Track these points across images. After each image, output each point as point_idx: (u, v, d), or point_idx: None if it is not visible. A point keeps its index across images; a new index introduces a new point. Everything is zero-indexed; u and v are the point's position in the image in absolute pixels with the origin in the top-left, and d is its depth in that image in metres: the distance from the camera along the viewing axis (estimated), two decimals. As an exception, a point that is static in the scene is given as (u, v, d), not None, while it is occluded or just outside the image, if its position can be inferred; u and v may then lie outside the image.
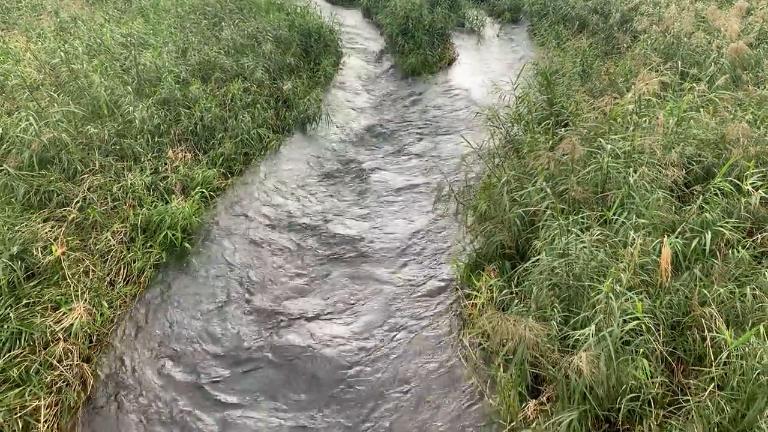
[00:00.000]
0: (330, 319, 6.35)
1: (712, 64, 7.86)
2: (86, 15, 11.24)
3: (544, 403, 4.62)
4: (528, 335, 4.40)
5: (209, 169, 8.49)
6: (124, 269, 6.64)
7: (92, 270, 6.38)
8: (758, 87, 7.20)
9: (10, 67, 8.38)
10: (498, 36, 15.37)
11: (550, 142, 6.60)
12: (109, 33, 10.00)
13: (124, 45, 10.03)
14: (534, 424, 4.42)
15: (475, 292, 6.08)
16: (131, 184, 7.39)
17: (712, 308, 4.39)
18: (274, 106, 10.50)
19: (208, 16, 12.14)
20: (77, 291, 6.02)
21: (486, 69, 12.77)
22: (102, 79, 8.37)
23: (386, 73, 13.30)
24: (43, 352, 5.38)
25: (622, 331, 4.19)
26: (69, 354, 5.51)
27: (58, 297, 5.88)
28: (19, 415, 4.87)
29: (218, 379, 5.66)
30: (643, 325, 4.23)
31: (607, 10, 12.60)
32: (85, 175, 7.23)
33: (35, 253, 6.04)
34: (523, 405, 4.72)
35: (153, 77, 9.36)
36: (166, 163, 8.14)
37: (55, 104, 7.67)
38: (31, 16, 10.95)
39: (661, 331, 4.37)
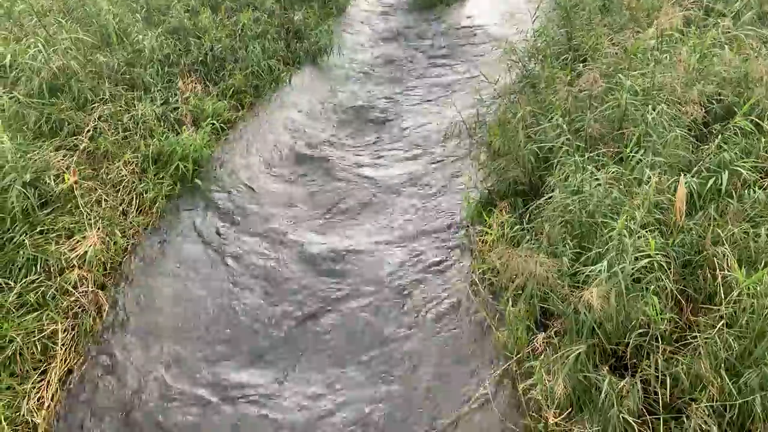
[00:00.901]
0: (337, 258, 6.39)
1: (739, -1, 7.58)
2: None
3: (552, 337, 4.67)
4: (539, 270, 4.43)
5: (219, 101, 8.40)
6: (136, 199, 6.67)
7: (104, 199, 6.42)
8: (786, 24, 6.96)
9: (16, -9, 8.21)
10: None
11: (568, 77, 6.45)
12: (117, -42, 9.72)
13: (132, -29, 9.76)
14: (542, 357, 4.49)
15: (486, 229, 6.08)
16: (142, 114, 7.33)
17: (725, 247, 4.38)
18: (284, 38, 10.26)
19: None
20: (90, 220, 6.07)
21: (503, 1, 12.39)
22: (110, 6, 8.20)
23: (400, 4, 12.95)
24: (58, 279, 5.47)
25: (633, 268, 4.20)
26: (84, 281, 5.61)
27: (72, 225, 5.94)
28: (37, 338, 5.00)
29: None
30: (654, 263, 4.23)
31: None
32: (96, 104, 7.16)
33: (48, 181, 6.06)
34: (531, 338, 4.79)
35: (162, 5, 9.16)
36: (176, 94, 8.05)
37: (64, 31, 7.54)
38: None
39: (672, 270, 4.37)
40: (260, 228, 6.66)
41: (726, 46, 6.35)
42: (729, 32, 6.54)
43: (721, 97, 5.84)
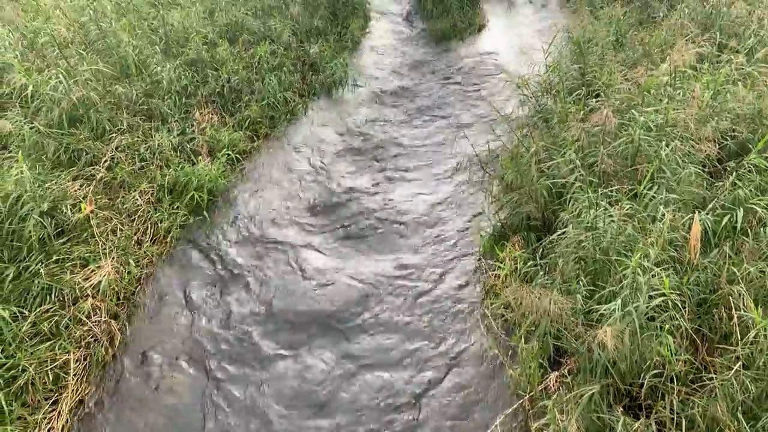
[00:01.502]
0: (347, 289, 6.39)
1: (752, 35, 7.60)
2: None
3: (565, 376, 4.63)
4: (552, 308, 4.40)
5: (235, 131, 8.51)
6: (151, 229, 6.73)
7: (120, 229, 6.48)
8: (800, 61, 6.95)
9: (40, 24, 8.42)
10: (530, 1, 15.02)
11: (582, 112, 6.47)
12: (138, -8, 9.97)
13: (152, 4, 10.01)
14: (555, 396, 4.43)
15: (498, 264, 6.06)
16: (158, 144, 7.44)
17: (741, 286, 4.33)
18: (300, 70, 10.42)
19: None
20: (105, 249, 6.12)
21: (517, 36, 12.50)
22: (130, 39, 8.38)
23: (414, 39, 13.09)
24: (72, 308, 5.52)
25: (647, 306, 4.16)
26: (97, 310, 5.65)
27: (87, 254, 6.00)
28: (50, 367, 5.02)
29: (242, 330, 5.77)
30: (669, 302, 4.19)
31: (644, -23, 12.19)
32: (113, 135, 7.29)
33: (65, 210, 6.14)
34: (544, 376, 4.73)
35: (181, 38, 9.34)
36: (193, 125, 8.17)
37: (84, 62, 7.70)
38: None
39: (687, 308, 4.32)
40: (263, 266, 6.67)
41: (740, 82, 6.36)
42: (743, 69, 6.56)
43: (735, 134, 5.83)
